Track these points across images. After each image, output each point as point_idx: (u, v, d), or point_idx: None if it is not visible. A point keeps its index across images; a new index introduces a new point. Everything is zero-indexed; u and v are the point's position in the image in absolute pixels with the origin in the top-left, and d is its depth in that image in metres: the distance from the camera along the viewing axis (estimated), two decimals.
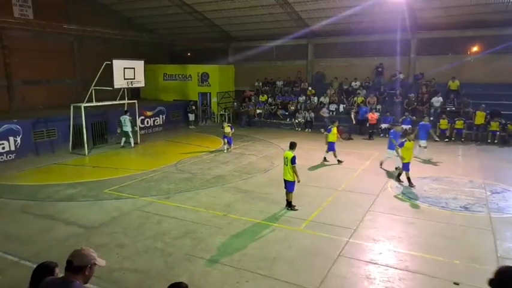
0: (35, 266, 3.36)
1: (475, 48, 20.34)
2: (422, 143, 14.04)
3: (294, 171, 8.78)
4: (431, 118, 18.64)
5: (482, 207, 9.27)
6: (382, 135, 18.58)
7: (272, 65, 25.22)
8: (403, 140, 11.19)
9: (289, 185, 8.98)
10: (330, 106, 21.90)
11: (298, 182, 8.92)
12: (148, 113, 20.58)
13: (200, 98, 24.79)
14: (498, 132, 16.81)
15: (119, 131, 16.40)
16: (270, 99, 23.91)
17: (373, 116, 19.13)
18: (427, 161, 13.66)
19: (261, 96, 24.26)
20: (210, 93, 24.81)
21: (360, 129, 19.80)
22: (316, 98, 22.64)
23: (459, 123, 17.64)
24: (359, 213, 8.81)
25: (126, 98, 17.09)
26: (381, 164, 12.95)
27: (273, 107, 23.26)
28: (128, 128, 16.45)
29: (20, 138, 14.42)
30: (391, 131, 13.08)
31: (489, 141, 16.90)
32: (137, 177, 12.06)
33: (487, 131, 17.22)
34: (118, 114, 17.72)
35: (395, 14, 18.77)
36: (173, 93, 24.79)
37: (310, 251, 7.02)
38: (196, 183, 11.40)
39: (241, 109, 23.59)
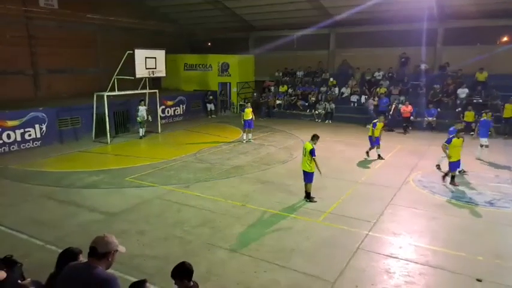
0: (59, 250, 3.48)
1: (505, 39, 19.48)
2: (484, 141, 12.39)
3: (315, 164, 8.67)
4: (459, 109, 18.14)
5: (509, 203, 8.98)
6: (425, 126, 18.04)
7: (292, 55, 24.87)
8: (451, 136, 10.32)
9: (307, 176, 8.91)
10: (352, 97, 21.55)
11: (320, 174, 8.78)
12: (169, 103, 20.77)
13: (220, 87, 24.82)
14: None
15: (139, 120, 16.53)
16: (290, 89, 23.73)
17: (405, 109, 18.13)
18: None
19: (280, 86, 24.10)
20: (230, 83, 24.80)
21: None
22: (337, 89, 22.32)
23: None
24: (379, 206, 8.67)
25: (148, 88, 17.29)
26: (438, 167, 11.39)
27: (293, 97, 23.07)
28: (141, 117, 16.42)
29: (46, 126, 14.81)
30: (451, 129, 11.50)
31: None
32: (158, 166, 12.23)
33: None
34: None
35: (422, 1, 18.17)
36: (194, 83, 24.90)
37: (329, 243, 6.97)
38: (215, 173, 11.48)
39: (260, 100, 23.48)
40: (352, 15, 20.24)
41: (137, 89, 17.00)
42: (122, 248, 3.09)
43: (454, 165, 10.14)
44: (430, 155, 13.54)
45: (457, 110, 18.24)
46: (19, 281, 3.11)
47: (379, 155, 12.92)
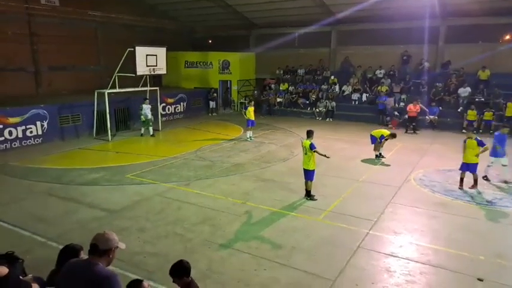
0: (60, 246, 3.50)
1: (507, 37, 19.38)
2: (504, 161, 10.42)
3: (319, 154, 8.73)
4: (460, 109, 18.06)
5: (510, 202, 8.97)
6: (426, 125, 17.86)
7: (294, 53, 24.82)
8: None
9: (308, 174, 8.91)
10: (353, 95, 21.52)
11: (328, 157, 8.88)
12: (170, 100, 20.76)
13: (221, 85, 24.77)
14: None
15: (143, 119, 16.44)
16: (290, 87, 23.67)
17: (412, 108, 17.41)
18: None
19: (281, 84, 24.06)
20: (230, 81, 24.77)
21: (380, 118, 19.35)
22: (337, 87, 22.28)
23: (488, 115, 17.04)
24: (380, 205, 8.66)
25: (148, 85, 17.27)
26: (485, 177, 10.47)
27: (293, 95, 23.04)
28: (144, 116, 16.34)
29: (47, 123, 14.81)
30: (496, 133, 10.71)
31: None
32: (158, 163, 12.23)
33: None
34: (140, 101, 17.95)
35: None
36: (194, 81, 24.87)
37: (329, 241, 6.97)
38: (216, 170, 11.47)
39: (261, 97, 23.45)
40: (354, 13, 20.13)
41: (138, 87, 17.00)
42: (122, 245, 3.10)
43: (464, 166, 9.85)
44: (431, 154, 13.54)
45: (459, 110, 18.22)
46: (20, 277, 3.11)
47: (380, 153, 12.92)
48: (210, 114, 22.90)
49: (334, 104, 21.13)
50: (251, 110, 15.70)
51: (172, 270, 3.48)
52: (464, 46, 19.90)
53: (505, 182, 10.31)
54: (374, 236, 7.18)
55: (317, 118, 21.36)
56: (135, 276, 5.66)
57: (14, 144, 13.84)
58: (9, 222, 7.70)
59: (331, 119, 20.94)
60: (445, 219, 7.99)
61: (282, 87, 23.79)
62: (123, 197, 9.21)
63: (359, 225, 7.59)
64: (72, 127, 15.91)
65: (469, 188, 9.79)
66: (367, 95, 21.22)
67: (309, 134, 8.98)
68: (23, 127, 14.09)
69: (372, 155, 12.86)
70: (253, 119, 15.65)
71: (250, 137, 15.73)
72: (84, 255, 3.26)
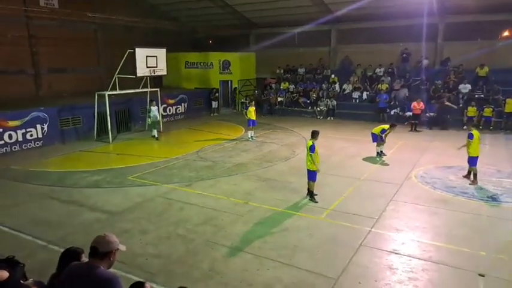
0: (62, 250, 3.47)
1: (505, 33, 19.37)
2: None
3: (313, 160, 8.57)
4: (460, 105, 18.03)
5: (511, 197, 8.95)
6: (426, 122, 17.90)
7: (294, 52, 24.81)
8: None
9: (309, 174, 8.87)
10: (353, 94, 21.50)
11: (318, 171, 8.73)
12: (171, 101, 20.77)
13: (221, 86, 24.76)
14: None
15: (149, 121, 16.30)
16: (291, 86, 23.67)
17: (416, 106, 17.33)
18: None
19: (282, 83, 24.05)
20: (231, 81, 24.77)
21: (381, 116, 19.31)
22: (337, 85, 22.27)
23: (488, 111, 17.04)
24: (381, 203, 8.66)
25: (149, 86, 17.27)
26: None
27: (294, 94, 23.02)
28: (153, 118, 16.20)
29: (47, 126, 14.80)
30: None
31: None
32: (160, 164, 12.24)
33: None
34: (141, 102, 17.97)
35: None
36: (195, 81, 24.87)
37: (332, 240, 6.97)
38: (218, 171, 11.47)
39: (262, 97, 23.45)
40: (353, 11, 20.12)
41: (138, 88, 17.00)
42: (122, 247, 3.10)
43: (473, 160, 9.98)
44: (432, 151, 13.52)
45: (460, 106, 18.18)
46: (21, 281, 3.11)
47: (381, 151, 12.89)
48: (211, 114, 22.92)
49: (335, 102, 21.12)
50: (252, 110, 15.70)
51: None
52: (462, 43, 19.88)
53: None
54: (376, 234, 7.17)
55: (318, 117, 21.35)
56: (137, 279, 5.67)
57: (14, 148, 13.85)
58: (11, 226, 7.69)
59: (332, 118, 20.93)
60: (447, 216, 7.99)
61: (283, 86, 23.79)
62: (124, 199, 9.21)
63: (361, 223, 7.59)
64: (73, 129, 15.91)
65: (469, 184, 9.86)
66: (368, 93, 21.21)
67: (313, 134, 8.80)
68: (23, 130, 14.09)
69: (373, 153, 12.85)
70: (254, 118, 15.64)
71: (251, 136, 15.73)
72: (85, 258, 3.24)
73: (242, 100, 24.30)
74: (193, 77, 25.12)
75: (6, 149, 13.61)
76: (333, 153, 13.21)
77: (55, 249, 6.50)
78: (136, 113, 18.37)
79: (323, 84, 22.72)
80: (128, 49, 15.35)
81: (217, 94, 23.33)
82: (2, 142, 13.52)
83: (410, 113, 17.91)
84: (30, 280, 3.27)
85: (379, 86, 20.55)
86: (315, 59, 24.12)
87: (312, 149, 8.56)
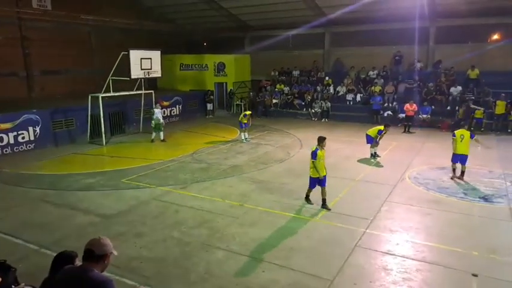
0: (54, 254, 3.41)
1: (495, 36, 19.71)
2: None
3: (315, 167, 8.29)
4: (449, 108, 18.23)
5: (502, 198, 9.07)
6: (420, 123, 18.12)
7: (288, 54, 24.90)
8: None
9: (309, 181, 8.59)
10: (347, 96, 21.61)
11: (320, 178, 8.39)
12: (165, 103, 20.68)
13: (216, 88, 24.73)
14: None
15: (153, 124, 15.99)
16: (286, 88, 23.73)
17: (409, 108, 17.45)
18: None
19: (277, 85, 24.11)
20: (226, 83, 24.76)
21: (375, 118, 19.38)
22: (331, 87, 22.38)
23: (478, 113, 17.21)
24: (376, 204, 8.69)
25: (143, 88, 17.19)
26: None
27: (289, 96, 23.08)
28: (156, 120, 15.92)
29: (39, 128, 14.65)
30: None
31: (509, 130, 16.65)
32: (154, 167, 12.17)
33: (507, 120, 16.85)
34: (135, 105, 17.86)
35: (415, 0, 18.23)
36: (190, 83, 24.80)
37: (327, 241, 6.98)
38: (213, 173, 11.45)
39: (257, 99, 23.49)
40: (346, 15, 20.27)
41: (133, 90, 16.91)
42: (114, 252, 3.08)
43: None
44: (424, 152, 13.63)
45: (448, 108, 18.44)
46: (13, 286, 3.07)
47: (375, 153, 12.94)
48: (207, 116, 22.89)
49: (329, 104, 21.21)
50: (247, 113, 15.86)
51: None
52: (453, 46, 20.12)
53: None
54: (371, 235, 7.20)
55: (313, 119, 21.41)
56: (131, 283, 5.65)
57: (6, 151, 13.66)
58: (2, 230, 7.59)
59: (326, 120, 20.99)
60: (439, 216, 8.06)
61: (278, 88, 23.86)
62: (119, 202, 9.14)
63: (356, 225, 7.61)
64: (66, 132, 15.77)
65: (457, 178, 10.29)
66: (361, 95, 21.33)
67: (318, 140, 8.40)
68: (15, 133, 13.91)
69: (368, 154, 12.90)
70: (245, 122, 15.67)
71: (245, 138, 15.74)
72: (79, 262, 3.19)
73: (237, 102, 24.29)
74: (188, 79, 25.06)
75: None
76: (328, 154, 13.00)
77: (47, 253, 6.42)
78: (130, 115, 18.26)
79: (317, 87, 22.82)
80: (122, 51, 15.26)
81: (212, 96, 23.31)
82: None
83: (404, 115, 18.03)
84: (22, 285, 3.24)
85: (373, 88, 20.68)
86: (309, 62, 24.22)
87: (313, 155, 8.28)
